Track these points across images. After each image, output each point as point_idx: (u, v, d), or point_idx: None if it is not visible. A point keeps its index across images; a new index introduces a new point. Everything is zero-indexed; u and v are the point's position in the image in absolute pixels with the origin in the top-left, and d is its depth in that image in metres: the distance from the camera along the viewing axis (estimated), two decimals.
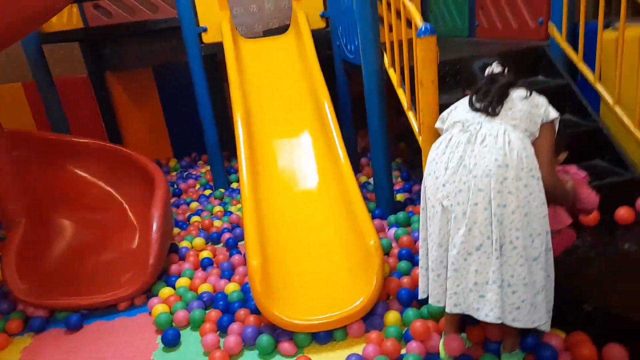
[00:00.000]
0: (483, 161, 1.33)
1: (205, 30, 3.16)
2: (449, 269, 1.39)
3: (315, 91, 2.66)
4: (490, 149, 1.34)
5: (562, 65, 2.34)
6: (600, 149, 2.11)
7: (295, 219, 2.22)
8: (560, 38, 2.33)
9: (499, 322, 1.33)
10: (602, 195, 1.64)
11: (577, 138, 2.09)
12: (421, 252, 1.53)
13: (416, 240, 2.17)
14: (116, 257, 2.45)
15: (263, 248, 1.97)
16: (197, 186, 3.62)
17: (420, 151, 1.89)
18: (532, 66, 2.47)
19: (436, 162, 1.45)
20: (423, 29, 1.69)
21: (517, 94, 1.44)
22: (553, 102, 2.20)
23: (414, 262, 2.05)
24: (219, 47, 3.14)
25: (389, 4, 2.20)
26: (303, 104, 2.72)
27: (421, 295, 1.53)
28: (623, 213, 1.86)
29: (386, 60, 2.35)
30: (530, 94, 1.45)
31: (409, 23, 1.95)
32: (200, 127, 3.99)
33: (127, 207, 2.70)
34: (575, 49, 2.25)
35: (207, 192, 3.45)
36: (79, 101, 3.96)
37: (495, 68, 1.49)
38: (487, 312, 1.33)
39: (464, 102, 1.52)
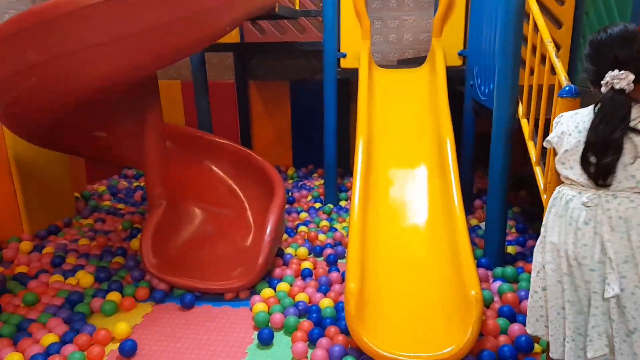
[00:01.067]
0: None
1: (344, 55, 3.35)
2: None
3: (439, 127, 2.68)
4: None
5: None
6: None
7: (398, 251, 2.25)
8: None
9: None
10: None
11: None
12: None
13: (522, 299, 2.07)
14: (230, 251, 2.70)
15: (363, 273, 2.04)
16: (309, 197, 3.83)
17: (541, 204, 1.82)
18: None
19: None
20: (567, 89, 1.64)
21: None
22: None
23: (514, 321, 1.98)
24: (353, 72, 3.32)
25: (534, 49, 2.15)
26: (425, 137, 2.75)
27: None
28: None
29: (520, 109, 2.29)
30: None
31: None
32: (320, 142, 4.23)
33: (247, 206, 2.96)
34: None
35: (317, 205, 3.63)
36: (222, 104, 4.44)
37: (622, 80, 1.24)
38: None
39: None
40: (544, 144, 1.55)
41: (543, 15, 2.15)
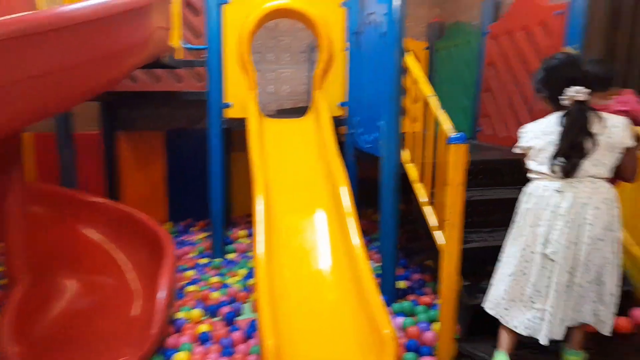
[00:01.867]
0: None
1: (230, 105, 3.32)
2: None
3: (332, 174, 2.77)
4: None
5: None
6: None
7: (307, 299, 2.21)
8: None
9: None
10: None
11: None
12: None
13: (423, 330, 2.18)
14: (115, 323, 2.36)
15: (276, 326, 1.94)
16: (193, 253, 3.58)
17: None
18: None
19: None
20: (457, 136, 1.85)
21: None
22: None
23: (420, 353, 2.06)
24: (239, 122, 3.30)
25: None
26: (319, 184, 2.82)
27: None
28: (622, 323, 1.96)
29: (405, 155, 2.50)
30: None
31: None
32: (199, 194, 4.05)
33: (130, 271, 2.66)
34: None
35: (204, 260, 3.41)
36: (86, 157, 3.99)
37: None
38: None
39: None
40: (516, 150, 1.84)
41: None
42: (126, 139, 4.21)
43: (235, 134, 4.20)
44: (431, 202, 2.23)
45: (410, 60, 2.42)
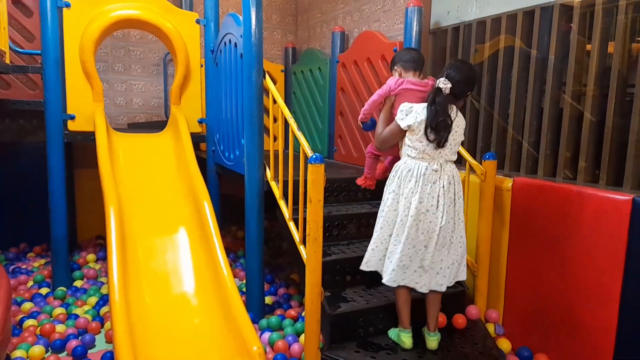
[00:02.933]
0: None
1: (73, 117, 3.02)
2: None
3: (193, 190, 2.72)
4: None
5: None
6: None
7: (170, 324, 2.13)
8: None
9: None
10: (443, 304, 2.11)
11: None
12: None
13: (291, 344, 2.28)
14: None
15: (135, 357, 1.84)
16: (30, 283, 3.14)
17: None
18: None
19: None
20: (314, 157, 2.00)
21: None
22: None
23: None
24: (82, 135, 3.03)
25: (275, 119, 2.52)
26: (179, 202, 2.74)
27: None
28: (459, 320, 2.31)
29: (268, 173, 2.59)
30: None
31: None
32: (35, 216, 3.61)
33: None
34: None
35: (44, 290, 3.02)
36: None
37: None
38: None
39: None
40: (403, 125, 2.03)
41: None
42: None
43: (78, 149, 3.83)
44: (294, 218, 2.35)
45: (269, 82, 2.53)
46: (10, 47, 3.15)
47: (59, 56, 2.93)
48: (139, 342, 1.96)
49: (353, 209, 2.75)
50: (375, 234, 2.13)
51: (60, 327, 2.51)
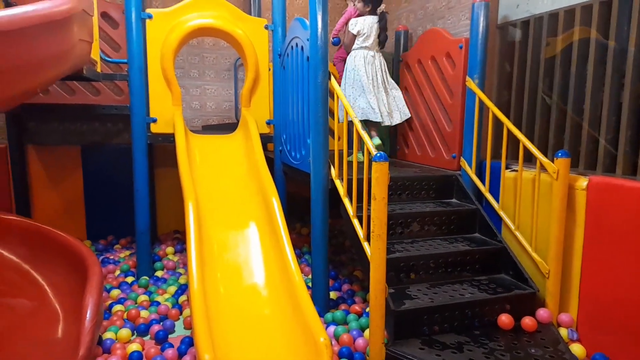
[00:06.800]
0: None
1: (155, 120, 3.28)
2: None
3: (262, 188, 2.86)
4: None
5: (472, 193, 2.85)
6: (505, 265, 2.55)
7: (242, 313, 2.27)
8: (470, 171, 2.88)
9: None
10: (510, 305, 2.05)
11: (487, 255, 2.54)
12: None
13: (355, 338, 2.34)
14: (35, 346, 2.23)
15: (213, 341, 1.98)
16: (117, 272, 3.46)
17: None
18: (448, 190, 2.96)
19: None
20: (379, 155, 2.04)
21: None
22: (466, 223, 2.69)
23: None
24: (162, 137, 3.28)
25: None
26: (250, 199, 2.89)
27: None
28: (528, 322, 2.25)
29: (333, 172, 2.67)
30: None
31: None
32: (120, 210, 3.92)
33: (48, 291, 2.52)
34: (482, 181, 2.80)
35: (130, 279, 3.31)
36: None
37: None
38: None
39: None
40: (353, 31, 3.41)
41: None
42: (37, 153, 3.96)
43: (158, 150, 4.14)
44: (358, 216, 2.41)
45: (334, 84, 2.60)
46: (100, 57, 3.47)
47: (142, 64, 3.20)
48: (215, 329, 2.11)
49: (416, 207, 2.75)
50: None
51: (144, 313, 2.75)
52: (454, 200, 2.95)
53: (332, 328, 2.45)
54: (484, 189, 2.78)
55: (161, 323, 2.63)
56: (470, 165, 2.89)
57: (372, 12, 3.43)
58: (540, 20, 2.79)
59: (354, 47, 3.41)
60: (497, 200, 2.71)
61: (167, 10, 3.26)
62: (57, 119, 4.04)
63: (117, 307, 2.82)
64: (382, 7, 3.46)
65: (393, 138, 3.89)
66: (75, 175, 4.08)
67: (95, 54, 3.15)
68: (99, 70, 3.26)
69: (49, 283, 2.54)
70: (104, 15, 3.93)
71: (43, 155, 3.97)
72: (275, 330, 2.21)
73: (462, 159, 2.98)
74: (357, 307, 2.69)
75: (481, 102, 2.80)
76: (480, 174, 2.87)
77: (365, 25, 3.36)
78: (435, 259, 2.47)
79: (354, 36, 3.39)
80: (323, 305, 2.71)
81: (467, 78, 2.88)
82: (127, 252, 3.86)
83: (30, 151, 3.94)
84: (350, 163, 2.48)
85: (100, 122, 4.15)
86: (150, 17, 3.21)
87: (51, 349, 2.21)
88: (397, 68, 3.77)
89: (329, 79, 2.59)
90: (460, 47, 3.00)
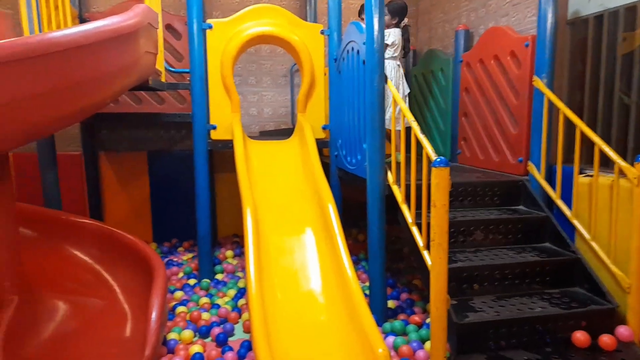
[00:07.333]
0: None
1: (214, 127, 3.38)
2: None
3: (318, 194, 2.86)
4: None
5: (541, 199, 2.68)
6: (580, 278, 2.37)
7: (299, 319, 2.27)
8: (539, 176, 2.71)
9: None
10: (586, 321, 1.89)
11: (559, 267, 2.37)
12: None
13: (415, 350, 2.26)
14: (105, 345, 2.35)
15: (270, 347, 1.99)
16: (181, 274, 3.58)
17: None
18: (514, 197, 2.81)
19: None
20: (439, 160, 1.96)
21: None
22: (535, 232, 2.53)
23: None
24: (224, 143, 3.36)
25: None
26: (306, 204, 2.90)
27: None
28: (606, 340, 2.07)
29: (390, 177, 2.61)
30: None
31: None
32: (183, 214, 4.05)
33: (118, 292, 2.65)
34: (553, 186, 2.62)
35: (192, 281, 3.42)
36: (67, 177, 3.95)
37: None
38: None
39: None
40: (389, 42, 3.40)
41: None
42: (108, 160, 4.20)
43: (217, 156, 4.26)
44: (417, 223, 2.34)
45: (390, 87, 2.55)
46: (164, 67, 3.63)
47: (203, 73, 3.30)
48: (272, 334, 2.12)
49: (480, 214, 2.63)
50: None
51: (205, 315, 2.82)
52: (521, 207, 2.79)
53: (390, 338, 2.39)
54: (555, 196, 2.60)
55: (221, 326, 2.69)
56: (538, 170, 2.72)
57: (397, 25, 3.49)
58: (615, 14, 2.58)
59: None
60: (570, 208, 2.53)
61: (226, 20, 3.35)
62: (126, 127, 4.27)
63: (180, 309, 2.91)
64: (406, 20, 3.57)
65: (453, 142, 3.75)
66: (142, 180, 4.28)
67: (160, 65, 3.29)
68: (163, 79, 3.39)
69: (118, 283, 2.67)
70: (169, 27, 4.10)
71: (113, 161, 4.21)
72: (332, 338, 2.19)
73: (529, 163, 2.82)
74: (416, 318, 2.61)
75: (550, 103, 2.63)
76: (550, 180, 2.69)
77: (396, 37, 3.44)
78: (501, 269, 2.33)
79: (386, 47, 3.34)
80: (381, 314, 2.64)
81: (535, 77, 2.72)
82: (190, 255, 3.99)
83: (102, 158, 4.19)
84: (408, 168, 2.41)
85: (164, 130, 4.34)
86: (210, 27, 3.31)
87: (120, 348, 2.32)
88: (457, 69, 3.64)
89: (385, 82, 2.54)
90: (526, 45, 2.84)
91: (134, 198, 4.28)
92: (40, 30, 2.49)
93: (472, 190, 2.76)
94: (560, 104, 2.54)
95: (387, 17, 3.46)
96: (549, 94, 2.61)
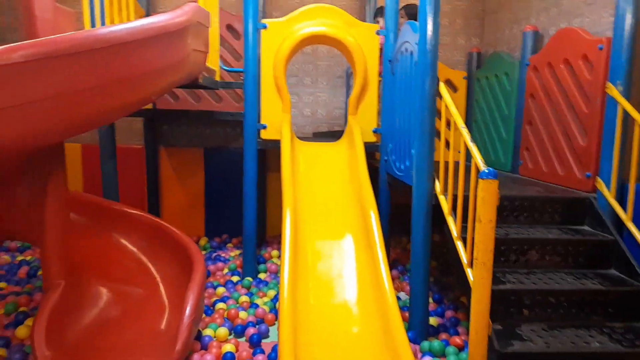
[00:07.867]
0: None
1: (265, 127, 3.38)
2: None
3: (362, 199, 2.76)
4: None
5: (609, 220, 2.40)
6: None
7: (330, 329, 2.19)
8: (608, 194, 2.43)
9: None
10: None
11: (625, 297, 2.10)
12: None
13: None
14: (141, 335, 2.40)
15: (297, 353, 1.93)
16: (226, 270, 3.63)
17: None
18: (579, 216, 2.54)
19: None
20: (487, 171, 1.80)
21: None
22: (600, 256, 2.27)
23: None
24: (273, 143, 3.36)
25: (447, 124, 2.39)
26: (349, 209, 2.81)
27: None
28: None
29: (438, 186, 2.46)
30: None
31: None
32: (235, 211, 4.11)
33: (160, 283, 2.71)
34: (623, 206, 2.34)
35: (235, 278, 3.45)
36: (129, 170, 4.16)
37: None
38: None
39: None
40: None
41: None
42: (167, 155, 4.37)
43: (271, 155, 4.28)
44: (463, 237, 2.17)
45: (442, 90, 2.39)
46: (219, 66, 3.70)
47: (256, 73, 3.32)
48: (300, 340, 2.06)
49: (537, 232, 2.40)
50: None
51: (242, 314, 2.82)
52: (585, 227, 2.52)
53: (426, 359, 2.24)
54: (626, 217, 2.31)
55: (257, 326, 2.67)
56: (608, 187, 2.44)
57: None
58: None
59: None
60: None
61: (281, 20, 3.34)
62: (185, 123, 4.42)
63: (220, 305, 2.93)
64: None
65: (515, 151, 3.49)
66: (198, 175, 4.41)
67: (214, 63, 3.35)
68: (217, 78, 3.45)
69: (160, 275, 2.73)
70: (229, 27, 4.19)
71: (172, 156, 4.37)
72: (363, 352, 2.09)
73: (598, 178, 2.53)
74: (458, 340, 2.42)
75: (625, 113, 2.35)
76: (621, 199, 2.40)
77: None
78: (556, 295, 2.11)
79: None
80: (421, 331, 2.49)
81: (608, 84, 2.44)
82: (237, 252, 4.04)
83: (162, 152, 4.36)
84: (457, 177, 2.25)
85: (220, 127, 4.44)
86: (265, 27, 3.31)
87: (155, 340, 2.36)
88: (523, 73, 3.37)
89: (438, 85, 2.39)
90: (600, 49, 2.56)
91: (189, 192, 4.41)
92: None
93: (529, 205, 2.53)
94: (636, 114, 2.26)
95: (403, 20, 3.48)
96: (623, 102, 2.33)
